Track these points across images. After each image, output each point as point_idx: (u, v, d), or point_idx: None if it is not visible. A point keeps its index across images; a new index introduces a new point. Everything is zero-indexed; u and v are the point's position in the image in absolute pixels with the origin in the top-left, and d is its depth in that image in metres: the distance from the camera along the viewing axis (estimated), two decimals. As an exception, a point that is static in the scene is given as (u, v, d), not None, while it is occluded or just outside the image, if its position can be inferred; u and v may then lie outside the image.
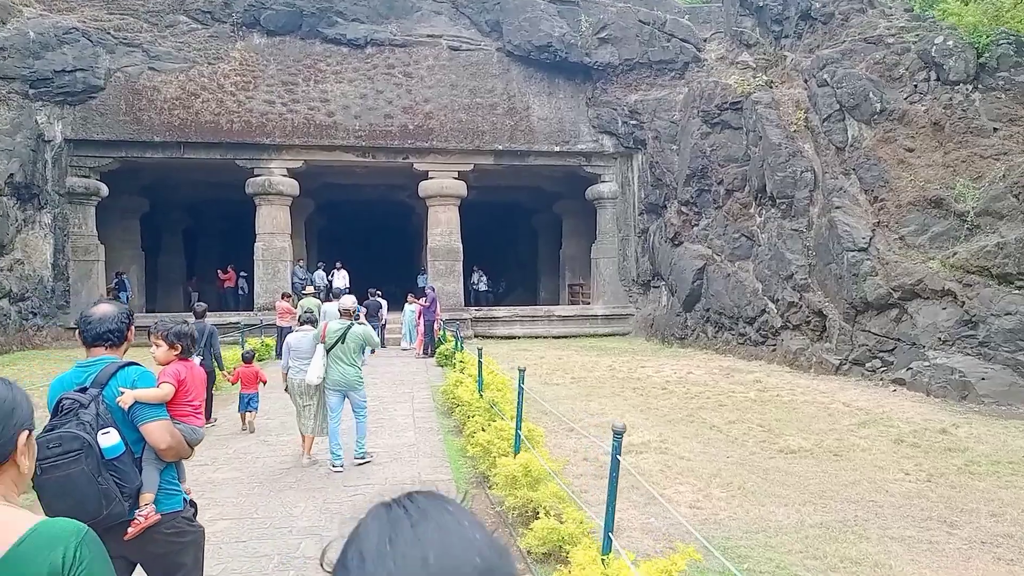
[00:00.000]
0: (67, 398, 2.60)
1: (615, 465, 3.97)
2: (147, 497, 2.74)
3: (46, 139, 17.27)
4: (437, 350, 15.33)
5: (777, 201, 14.58)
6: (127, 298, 20.35)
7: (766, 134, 14.94)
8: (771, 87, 16.10)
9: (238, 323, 19.06)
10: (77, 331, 2.86)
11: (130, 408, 2.71)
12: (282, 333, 15.72)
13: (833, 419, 9.10)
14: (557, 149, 20.48)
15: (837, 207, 12.77)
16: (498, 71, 20.56)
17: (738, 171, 15.96)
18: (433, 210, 20.85)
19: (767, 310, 14.70)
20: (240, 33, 19.59)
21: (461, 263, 21.00)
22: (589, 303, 22.83)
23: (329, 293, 19.86)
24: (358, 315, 7.92)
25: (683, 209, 17.29)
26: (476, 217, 22.32)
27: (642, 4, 21.21)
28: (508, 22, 20.18)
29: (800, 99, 15.16)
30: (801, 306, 13.51)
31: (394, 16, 20.44)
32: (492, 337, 20.25)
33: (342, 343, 7.08)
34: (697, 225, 17.01)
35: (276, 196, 19.62)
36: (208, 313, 10.14)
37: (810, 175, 13.90)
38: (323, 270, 22.30)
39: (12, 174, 15.64)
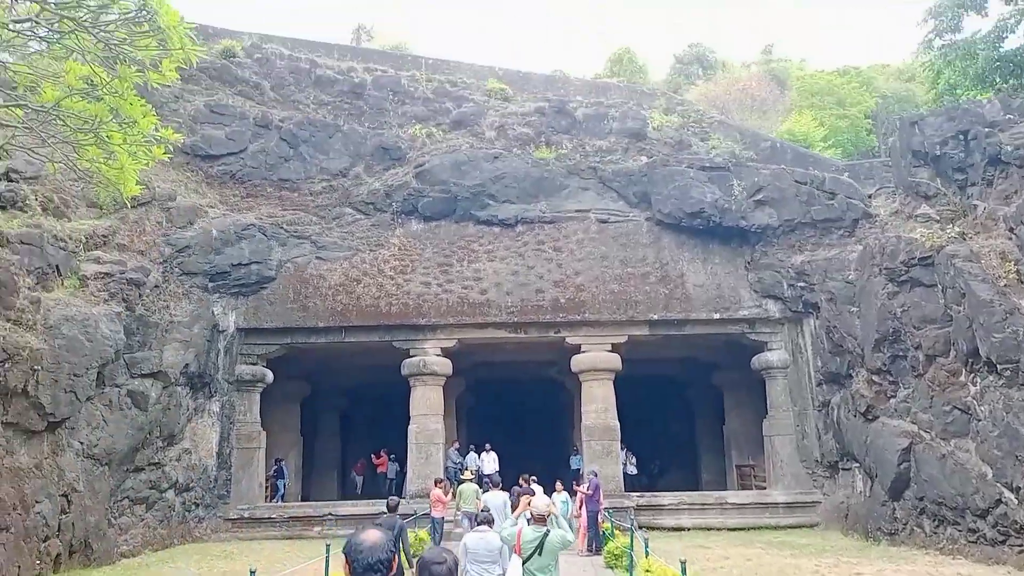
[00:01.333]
0: None
1: None
2: None
3: (220, 329, 18.16)
4: (604, 547, 13.69)
5: (997, 367, 12.49)
6: (284, 485, 20.31)
7: (971, 290, 13.15)
8: (964, 239, 14.47)
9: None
10: (345, 560, 2.75)
11: None
12: (435, 525, 14.72)
13: None
14: (716, 316, 19.28)
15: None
16: (648, 240, 20.11)
17: (938, 333, 14.03)
18: (587, 386, 19.87)
19: (1004, 500, 12.17)
20: (399, 220, 20.47)
21: (619, 443, 19.58)
22: (764, 487, 20.37)
23: (481, 478, 18.89)
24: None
25: (874, 378, 15.30)
26: (622, 393, 21.19)
27: (795, 165, 20.55)
28: (657, 192, 19.96)
29: (1006, 250, 13.42)
30: (1055, 496, 11.02)
31: (543, 195, 20.78)
32: (657, 528, 18.17)
33: (539, 555, 5.97)
34: (894, 396, 14.91)
35: (430, 376, 19.43)
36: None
37: (1037, 335, 11.87)
38: (474, 451, 21.50)
39: (187, 364, 16.30)
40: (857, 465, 16.85)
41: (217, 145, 20.60)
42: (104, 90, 9.46)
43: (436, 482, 15.59)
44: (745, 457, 22.94)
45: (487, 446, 21.55)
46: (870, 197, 19.19)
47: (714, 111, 26.04)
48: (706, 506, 19.15)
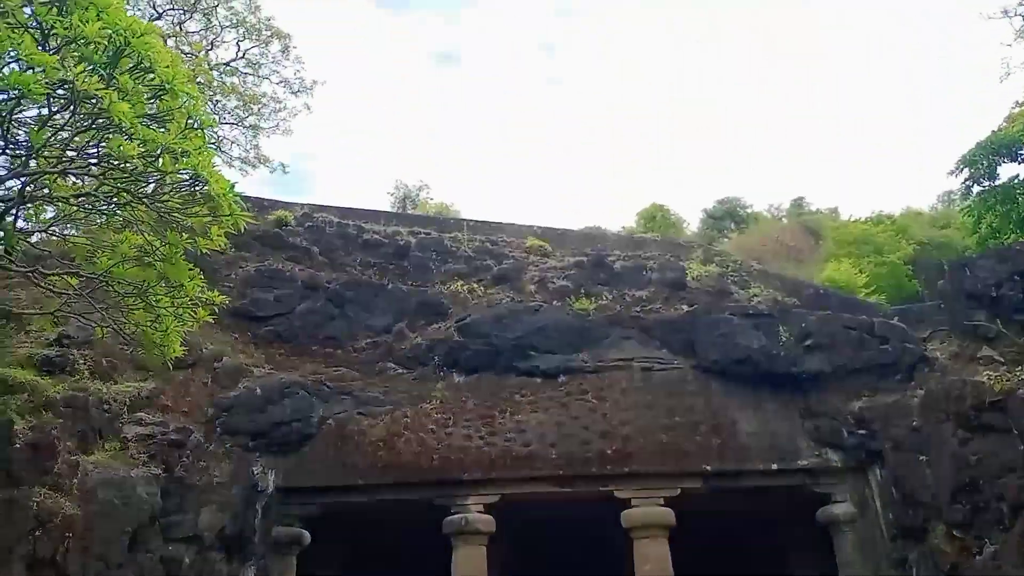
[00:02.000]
0: None
1: None
2: None
3: (259, 488, 17.79)
4: None
5: (1091, 517, 11.35)
6: None
7: (1048, 434, 12.26)
8: (1032, 379, 13.70)
9: None
10: None
11: None
12: None
13: None
14: (775, 467, 18.26)
15: None
16: (695, 388, 19.56)
17: (1021, 482, 12.95)
18: (639, 544, 18.66)
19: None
20: (441, 374, 20.43)
21: (677, 608, 18.07)
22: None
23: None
24: None
25: (955, 533, 14.02)
26: (674, 553, 19.85)
27: (841, 311, 20.18)
28: (701, 340, 19.67)
29: (1080, 389, 12.61)
30: None
31: (584, 345, 20.64)
32: None
33: None
34: (980, 554, 13.55)
35: (473, 535, 18.52)
36: None
37: None
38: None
39: (224, 527, 15.87)
40: (949, 635, 15.11)
41: (265, 307, 21.23)
42: (154, 257, 9.89)
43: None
44: (819, 624, 20.94)
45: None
46: (925, 340, 18.58)
47: (752, 261, 26.19)
48: None
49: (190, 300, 10.53)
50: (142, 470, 13.73)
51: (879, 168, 79.56)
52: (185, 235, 10.03)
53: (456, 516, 18.68)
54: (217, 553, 15.93)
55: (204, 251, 10.63)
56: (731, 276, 22.99)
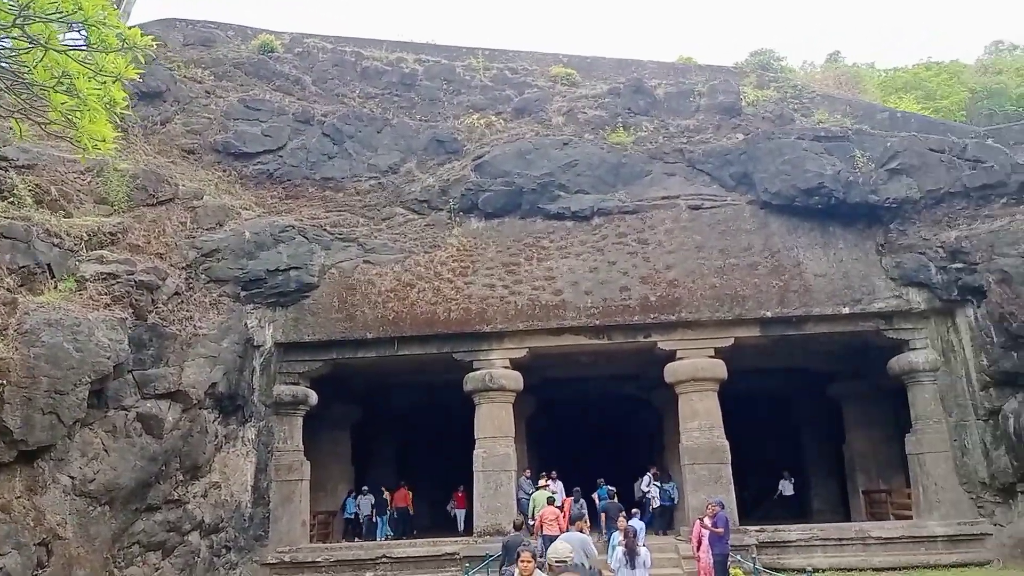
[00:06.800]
0: None
1: None
2: None
3: (255, 344, 15.70)
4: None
5: None
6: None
7: None
8: None
9: (455, 554, 15.39)
10: None
11: None
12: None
13: None
14: (846, 311, 15.82)
15: None
16: (752, 226, 16.88)
17: None
18: (686, 398, 16.59)
19: None
20: (457, 219, 17.81)
21: (729, 466, 16.19)
22: (907, 516, 16.67)
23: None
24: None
25: (1087, 373, 11.65)
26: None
27: (926, 133, 17.11)
28: (761, 170, 16.78)
29: None
30: None
31: (621, 183, 17.86)
32: (784, 570, 14.68)
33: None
34: (1120, 396, 11.22)
35: (498, 392, 16.51)
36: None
37: None
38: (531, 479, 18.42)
39: (215, 383, 13.80)
40: (1052, 488, 13.14)
41: (252, 142, 18.41)
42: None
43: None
44: (874, 482, 19.35)
45: (553, 474, 18.58)
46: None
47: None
48: (844, 541, 15.55)
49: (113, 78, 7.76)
50: (103, 313, 11.39)
51: (917, 21, 73.21)
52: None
53: (479, 372, 16.60)
54: (209, 412, 13.95)
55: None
56: (791, 102, 19.72)
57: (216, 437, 14.15)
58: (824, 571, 14.88)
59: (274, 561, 15.19)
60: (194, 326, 14.02)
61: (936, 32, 69.99)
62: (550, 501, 15.35)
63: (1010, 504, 14.64)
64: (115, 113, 8.15)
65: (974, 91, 34.64)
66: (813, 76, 42.82)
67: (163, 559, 12.50)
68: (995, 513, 14.92)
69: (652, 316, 16.34)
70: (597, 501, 18.62)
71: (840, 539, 15.56)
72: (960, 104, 32.42)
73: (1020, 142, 16.99)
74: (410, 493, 20.69)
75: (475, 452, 16.41)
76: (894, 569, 14.84)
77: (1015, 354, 13.60)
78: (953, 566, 14.73)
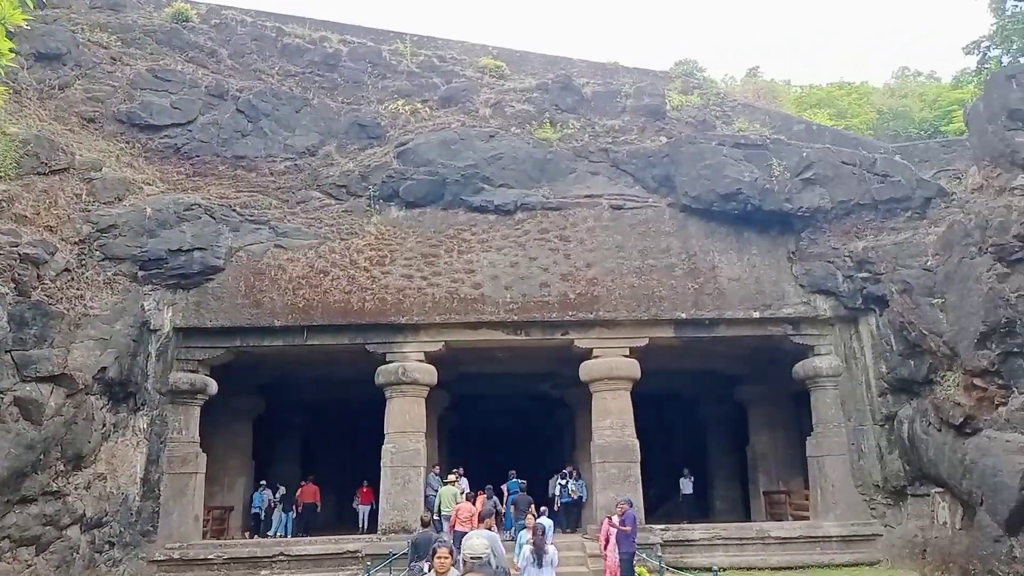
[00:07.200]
0: None
1: None
2: None
3: (152, 328, 14.73)
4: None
5: None
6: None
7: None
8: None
9: (357, 552, 14.90)
10: None
11: None
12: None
13: None
14: (757, 315, 16.18)
15: None
16: (672, 228, 17.05)
17: (1066, 324, 11.02)
18: (599, 397, 16.62)
19: None
20: (377, 207, 17.26)
21: (638, 465, 16.29)
22: (803, 517, 17.25)
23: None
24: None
25: (976, 382, 12.17)
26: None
27: (838, 146, 17.71)
28: (682, 173, 16.95)
29: None
30: None
31: (546, 179, 17.74)
32: (687, 568, 14.87)
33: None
34: (1005, 404, 11.77)
35: (410, 386, 16.08)
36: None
37: None
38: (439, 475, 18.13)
39: (104, 368, 12.86)
40: (939, 491, 13.79)
41: (159, 114, 17.35)
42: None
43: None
44: (774, 483, 19.94)
45: (459, 470, 18.40)
46: (931, 179, 16.36)
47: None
48: (744, 541, 15.90)
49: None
50: (-24, 285, 10.40)
51: (832, 43, 76.88)
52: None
53: (392, 364, 16.12)
54: (97, 399, 12.98)
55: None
56: (714, 109, 20.10)
57: (104, 425, 13.18)
58: (725, 570, 15.11)
59: (162, 558, 14.28)
60: (85, 305, 13.04)
61: (849, 54, 73.64)
62: (464, 497, 15.14)
63: (900, 506, 15.26)
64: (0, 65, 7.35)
65: (881, 112, 36.60)
66: (734, 88, 44.14)
67: (36, 555, 11.53)
68: (886, 515, 15.55)
69: (571, 314, 16.27)
70: (506, 493, 18.55)
71: (741, 539, 15.91)
72: (868, 123, 34.25)
73: (925, 160, 17.84)
74: (318, 488, 20.01)
75: (384, 447, 15.95)
76: (791, 568, 15.25)
77: (912, 362, 14.18)
78: (846, 565, 15.25)
